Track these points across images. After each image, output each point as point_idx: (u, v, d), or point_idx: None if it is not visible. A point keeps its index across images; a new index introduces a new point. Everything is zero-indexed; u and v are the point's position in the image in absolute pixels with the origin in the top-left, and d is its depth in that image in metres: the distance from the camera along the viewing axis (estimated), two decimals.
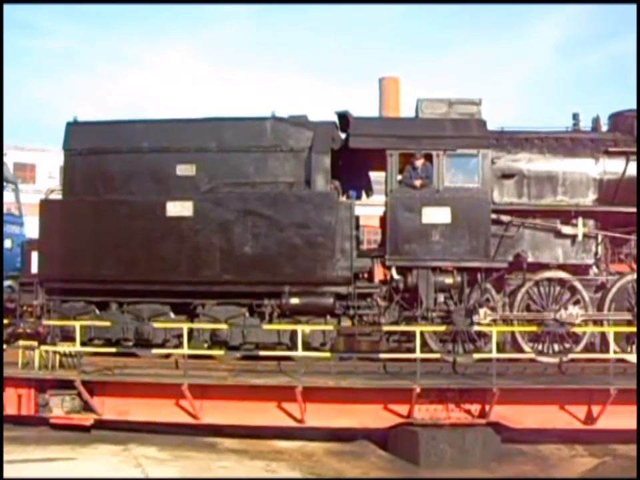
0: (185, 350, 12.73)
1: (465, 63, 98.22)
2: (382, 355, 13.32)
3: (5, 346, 13.81)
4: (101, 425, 13.25)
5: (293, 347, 13.00)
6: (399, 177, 13.76)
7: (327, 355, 13.28)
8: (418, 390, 12.10)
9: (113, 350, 13.55)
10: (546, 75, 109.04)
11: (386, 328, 13.56)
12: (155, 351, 13.50)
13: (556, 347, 13.97)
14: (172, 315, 14.10)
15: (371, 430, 13.08)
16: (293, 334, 13.09)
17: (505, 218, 13.83)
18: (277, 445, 13.37)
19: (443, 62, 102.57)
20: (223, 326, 13.51)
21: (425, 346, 13.29)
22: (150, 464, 12.15)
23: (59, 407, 12.95)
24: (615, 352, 12.96)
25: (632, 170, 14.18)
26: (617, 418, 12.53)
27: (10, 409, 13.14)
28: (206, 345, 13.88)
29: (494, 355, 12.47)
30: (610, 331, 13.06)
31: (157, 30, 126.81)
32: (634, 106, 14.89)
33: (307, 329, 13.20)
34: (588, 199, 14.18)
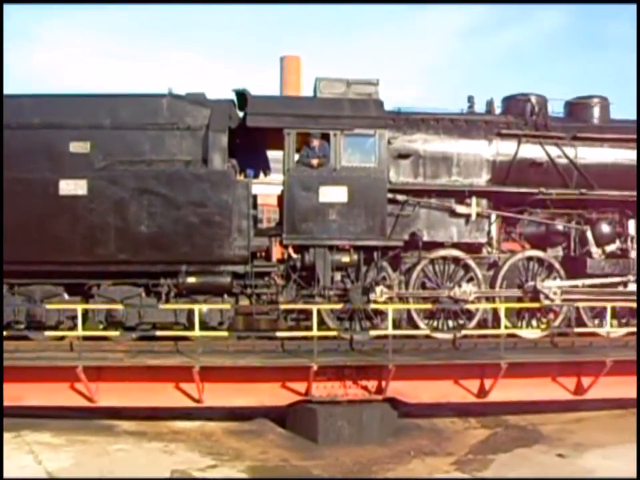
0: (80, 332, 12.45)
1: (369, 46, 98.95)
2: (279, 334, 13.32)
3: None
4: None
5: (190, 326, 12.87)
6: (297, 156, 13.77)
7: (224, 334, 13.21)
8: (315, 368, 12.20)
9: (4, 333, 13.13)
10: (447, 59, 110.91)
11: (283, 306, 13.60)
12: (47, 333, 13.11)
13: (450, 323, 14.34)
14: (66, 296, 13.71)
15: (269, 408, 13.17)
16: (190, 313, 12.95)
17: (400, 197, 14.02)
18: (176, 425, 13.36)
19: (348, 44, 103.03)
20: (119, 306, 13.24)
21: (322, 324, 13.43)
22: (43, 450, 11.97)
23: None
24: (506, 327, 13.43)
25: (523, 152, 14.61)
26: (508, 390, 13.01)
27: None
28: (101, 326, 13.57)
29: (390, 332, 12.67)
30: (501, 307, 13.49)
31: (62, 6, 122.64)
32: (527, 90, 15.38)
33: (204, 308, 13.10)
34: (481, 179, 14.51)
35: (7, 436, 12.40)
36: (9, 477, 10.43)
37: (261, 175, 15.14)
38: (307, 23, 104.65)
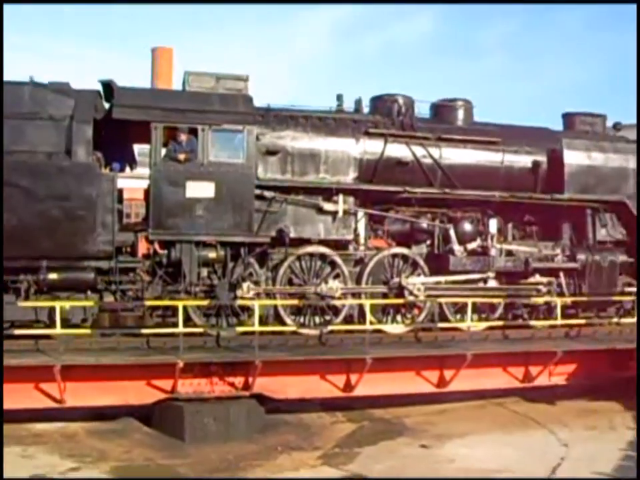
0: None
1: (243, 43, 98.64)
2: (144, 331, 13.10)
3: None
4: None
5: (52, 324, 12.46)
6: (164, 150, 13.56)
7: (87, 331, 12.89)
8: (181, 365, 12.07)
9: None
10: (320, 57, 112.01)
11: (149, 303, 13.36)
12: None
13: (317, 319, 14.46)
14: None
15: (134, 407, 12.88)
16: (52, 311, 12.51)
17: (268, 194, 14.03)
18: (36, 427, 12.87)
19: (222, 39, 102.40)
20: None
21: (189, 320, 13.29)
22: None
23: None
24: (372, 323, 13.68)
25: (390, 151, 14.99)
26: (374, 385, 13.26)
27: None
28: None
29: (257, 328, 12.70)
30: (367, 303, 13.73)
31: None
32: (400, 91, 15.85)
33: (67, 305, 12.70)
34: (349, 177, 14.72)
35: None
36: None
37: (135, 168, 14.86)
38: (182, 16, 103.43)
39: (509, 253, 15.79)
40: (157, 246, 13.57)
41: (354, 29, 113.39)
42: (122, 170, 14.23)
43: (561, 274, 15.81)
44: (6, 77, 13.16)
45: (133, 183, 15.61)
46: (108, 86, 13.70)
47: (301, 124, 14.58)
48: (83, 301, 13.16)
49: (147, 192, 13.71)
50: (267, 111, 14.50)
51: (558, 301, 15.01)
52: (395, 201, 15.17)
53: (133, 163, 14.93)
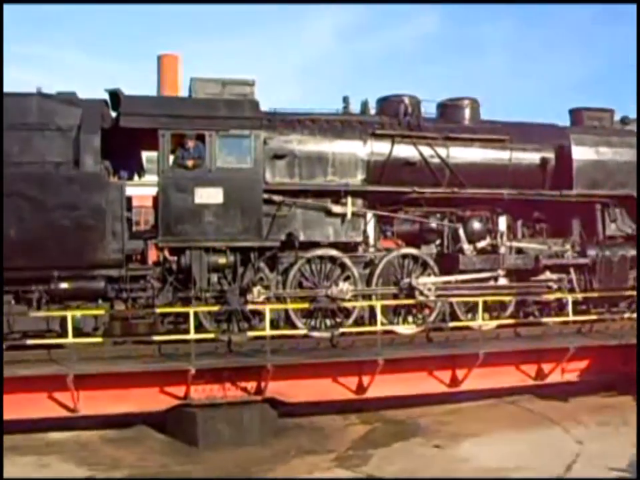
0: None
1: (248, 47, 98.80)
2: (156, 338, 13.13)
3: None
4: None
5: (64, 333, 12.52)
6: (172, 157, 13.59)
7: (99, 340, 12.94)
8: (193, 371, 12.11)
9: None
10: (325, 60, 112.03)
11: (160, 310, 13.41)
12: None
13: (328, 322, 14.48)
14: None
15: (148, 414, 12.90)
16: (63, 320, 12.58)
17: (276, 198, 14.04)
18: (50, 437, 12.91)
19: (227, 45, 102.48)
20: None
21: (200, 326, 13.31)
22: None
23: None
24: (383, 324, 13.67)
25: (397, 152, 14.94)
26: (386, 386, 13.25)
27: None
28: None
29: (268, 332, 12.73)
30: (378, 305, 13.72)
31: None
32: (405, 90, 15.78)
33: (78, 314, 12.76)
34: (357, 179, 14.71)
35: None
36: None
37: (144, 176, 14.90)
38: (187, 22, 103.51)
39: (519, 251, 15.77)
40: (166, 253, 13.61)
41: (358, 31, 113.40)
42: (130, 178, 14.28)
43: (572, 270, 15.77)
44: (13, 89, 13.24)
45: (141, 191, 15.65)
46: (115, 95, 13.75)
47: (308, 127, 14.57)
48: (94, 310, 13.24)
49: (155, 199, 13.76)
50: (273, 115, 14.51)
51: (569, 298, 14.98)
52: (403, 202, 15.16)
53: (141, 170, 14.97)
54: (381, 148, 14.91)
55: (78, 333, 12.65)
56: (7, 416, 12.09)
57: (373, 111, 15.85)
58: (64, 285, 13.00)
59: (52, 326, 13.02)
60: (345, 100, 15.72)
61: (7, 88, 13.31)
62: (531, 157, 15.94)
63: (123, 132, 13.51)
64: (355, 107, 15.73)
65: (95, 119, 13.30)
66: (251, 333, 13.40)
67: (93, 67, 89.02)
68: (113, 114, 13.91)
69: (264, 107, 14.34)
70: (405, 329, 14.67)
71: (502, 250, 15.48)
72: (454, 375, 13.83)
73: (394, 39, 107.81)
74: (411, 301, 14.68)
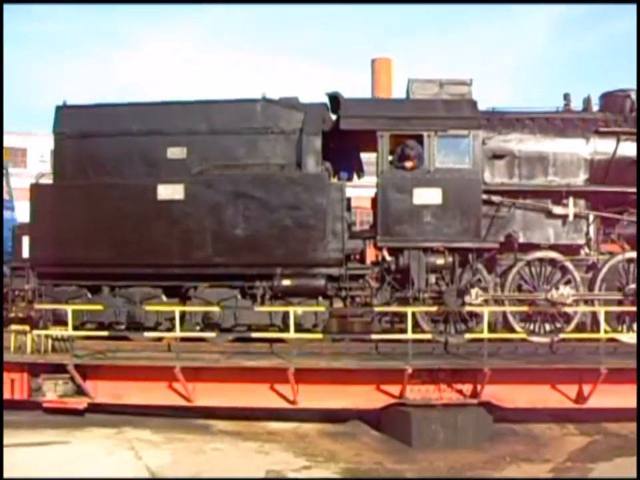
0: (177, 333, 12.76)
1: (459, 46, 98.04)
2: (374, 336, 13.31)
3: None
4: (94, 408, 13.27)
5: (285, 328, 13.03)
6: (390, 158, 13.74)
7: (319, 335, 13.33)
8: (410, 370, 12.13)
9: (105, 333, 13.56)
10: (541, 56, 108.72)
11: (378, 309, 13.60)
12: (147, 334, 13.47)
13: (547, 326, 14.00)
14: (164, 298, 14.07)
15: (363, 411, 13.11)
16: (285, 315, 13.11)
17: (495, 198, 13.80)
18: (270, 426, 13.42)
19: (438, 44, 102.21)
20: (215, 308, 13.51)
21: (417, 326, 13.32)
22: (143, 447, 12.20)
23: (52, 391, 12.99)
24: (606, 331, 13.02)
25: (622, 150, 14.16)
26: (608, 397, 12.61)
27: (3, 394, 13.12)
28: (198, 328, 13.82)
29: (485, 335, 12.54)
30: (601, 311, 13.13)
31: (155, 13, 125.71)
32: (629, 85, 14.91)
33: (299, 310, 13.18)
34: (579, 178, 14.15)
35: (109, 432, 12.83)
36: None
37: (356, 177, 15.18)
38: (400, 24, 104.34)
39: None
40: (385, 253, 13.71)
41: (574, 25, 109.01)
42: (350, 179, 14.60)
43: None
44: (239, 95, 13.94)
45: (356, 192, 15.93)
46: (334, 98, 14.14)
47: (528, 126, 14.19)
48: (314, 307, 13.67)
49: (374, 200, 13.97)
50: (491, 114, 14.27)
51: None
52: (629, 202, 14.37)
53: (360, 171, 15.25)
54: (605, 146, 14.22)
55: (298, 328, 13.07)
56: (232, 403, 12.85)
57: (595, 108, 15.15)
58: (286, 282, 13.54)
59: (274, 320, 13.63)
60: (566, 97, 15.08)
61: (244, 93, 14.06)
62: None
63: (342, 133, 13.85)
64: (576, 104, 15.08)
65: (317, 122, 13.75)
66: (468, 335, 13.27)
67: (308, 72, 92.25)
68: (333, 117, 14.29)
69: (481, 106, 14.15)
70: (629, 337, 13.90)
71: None
72: None
73: (613, 32, 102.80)
74: (633, 308, 13.88)
